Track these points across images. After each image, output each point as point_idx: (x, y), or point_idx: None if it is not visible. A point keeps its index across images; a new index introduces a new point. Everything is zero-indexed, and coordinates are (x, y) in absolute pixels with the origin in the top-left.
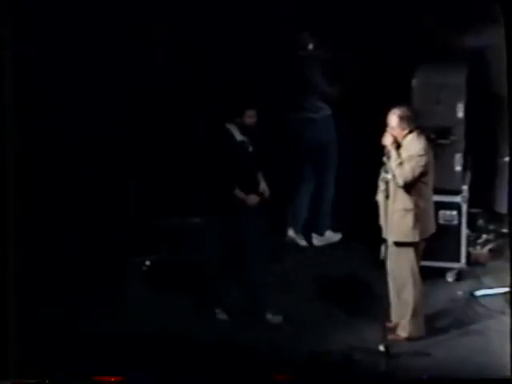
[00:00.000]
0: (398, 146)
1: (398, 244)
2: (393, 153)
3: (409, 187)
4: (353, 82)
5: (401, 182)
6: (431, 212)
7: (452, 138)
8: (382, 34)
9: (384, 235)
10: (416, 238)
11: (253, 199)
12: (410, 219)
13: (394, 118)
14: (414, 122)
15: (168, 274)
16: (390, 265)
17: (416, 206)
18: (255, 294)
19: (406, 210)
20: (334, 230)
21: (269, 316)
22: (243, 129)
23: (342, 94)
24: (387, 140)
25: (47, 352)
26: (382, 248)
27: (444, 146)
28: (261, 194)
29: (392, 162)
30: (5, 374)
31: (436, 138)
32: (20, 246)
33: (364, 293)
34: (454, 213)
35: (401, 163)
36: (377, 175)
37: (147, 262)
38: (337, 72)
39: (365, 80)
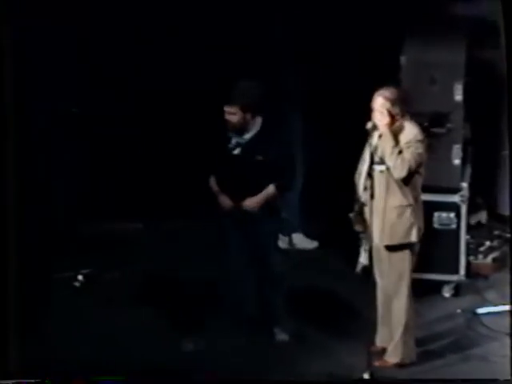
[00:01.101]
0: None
1: (392, 248)
2: (388, 138)
3: (406, 179)
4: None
5: (403, 173)
6: (422, 208)
7: (449, 125)
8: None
9: (365, 239)
10: (414, 238)
11: (224, 200)
12: (407, 217)
13: (380, 100)
14: (405, 106)
15: (109, 291)
16: (379, 273)
17: (414, 200)
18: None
19: (403, 207)
20: (309, 236)
21: (278, 333)
22: (230, 128)
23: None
24: (382, 120)
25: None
26: (361, 257)
27: (439, 135)
28: (237, 202)
29: (387, 150)
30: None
31: (429, 125)
32: None
33: (345, 310)
34: (452, 215)
35: (400, 152)
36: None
37: (80, 277)
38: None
39: (342, 59)
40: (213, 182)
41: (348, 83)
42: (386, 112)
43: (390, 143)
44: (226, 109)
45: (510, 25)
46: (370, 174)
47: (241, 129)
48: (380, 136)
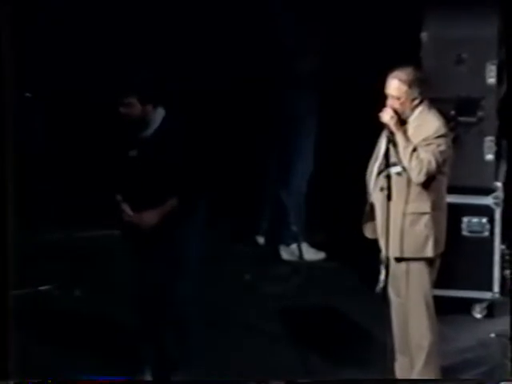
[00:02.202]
0: (402, 124)
1: (404, 261)
2: (399, 137)
3: (426, 181)
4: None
5: (421, 177)
6: (445, 215)
7: (480, 114)
8: None
9: (385, 252)
10: (430, 254)
11: (124, 211)
12: (423, 226)
13: (394, 84)
14: (425, 89)
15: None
16: (395, 290)
17: (433, 207)
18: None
19: (420, 215)
20: (315, 246)
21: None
22: (127, 123)
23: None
24: (386, 116)
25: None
26: (382, 275)
27: (468, 125)
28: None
29: (401, 150)
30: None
31: (456, 114)
32: None
33: (357, 335)
34: (484, 220)
35: (414, 150)
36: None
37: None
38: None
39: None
40: (113, 189)
41: (358, 67)
42: (403, 97)
43: (401, 141)
44: (122, 100)
45: (510, 28)
46: (387, 176)
47: (140, 124)
48: (391, 132)
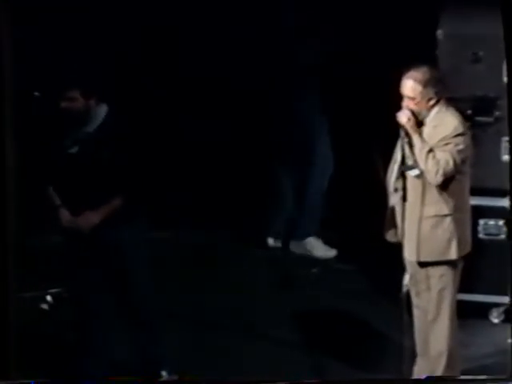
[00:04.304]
0: (419, 125)
1: (426, 265)
2: (415, 138)
3: (445, 183)
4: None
5: (439, 178)
6: (469, 216)
7: (497, 114)
8: None
9: (408, 256)
10: (454, 256)
11: (64, 216)
12: (445, 229)
13: (409, 84)
14: (441, 89)
15: None
16: (416, 293)
17: (455, 209)
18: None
19: (440, 217)
20: (328, 243)
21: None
22: (69, 119)
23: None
24: (403, 118)
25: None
26: (405, 279)
27: (485, 125)
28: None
29: (417, 152)
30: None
31: (473, 114)
32: None
33: (375, 338)
34: (501, 223)
35: (430, 151)
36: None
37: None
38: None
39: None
40: (51, 190)
41: (374, 67)
42: (418, 97)
43: (418, 143)
44: (64, 94)
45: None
46: (402, 175)
47: (83, 120)
48: (407, 134)
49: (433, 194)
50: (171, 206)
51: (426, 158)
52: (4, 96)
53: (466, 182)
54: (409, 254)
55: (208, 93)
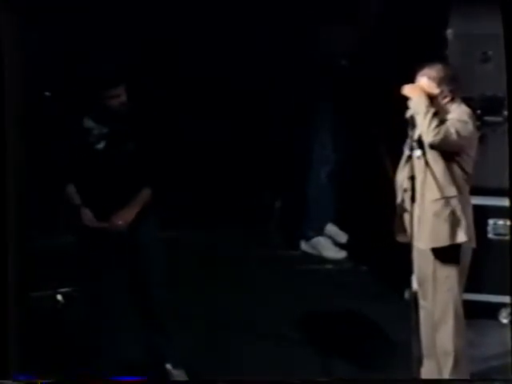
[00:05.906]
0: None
1: (435, 255)
2: (421, 101)
3: (451, 161)
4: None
5: (438, 138)
6: (470, 201)
7: (506, 113)
8: None
9: (416, 243)
10: (463, 238)
11: (86, 215)
12: (450, 211)
13: (423, 82)
14: (456, 87)
15: None
16: (423, 293)
17: (459, 190)
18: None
19: (445, 200)
20: (338, 244)
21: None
22: (101, 116)
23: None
24: (414, 91)
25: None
26: (413, 280)
27: (494, 125)
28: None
29: (421, 117)
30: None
31: (482, 113)
32: None
33: (381, 339)
34: (509, 223)
35: (436, 114)
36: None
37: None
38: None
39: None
40: (72, 190)
41: (382, 67)
42: (432, 95)
43: (422, 107)
44: (109, 92)
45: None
46: (412, 178)
47: (122, 115)
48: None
49: (436, 176)
50: (171, 206)
51: (431, 120)
52: (4, 96)
53: (469, 164)
54: (418, 241)
55: (208, 93)
